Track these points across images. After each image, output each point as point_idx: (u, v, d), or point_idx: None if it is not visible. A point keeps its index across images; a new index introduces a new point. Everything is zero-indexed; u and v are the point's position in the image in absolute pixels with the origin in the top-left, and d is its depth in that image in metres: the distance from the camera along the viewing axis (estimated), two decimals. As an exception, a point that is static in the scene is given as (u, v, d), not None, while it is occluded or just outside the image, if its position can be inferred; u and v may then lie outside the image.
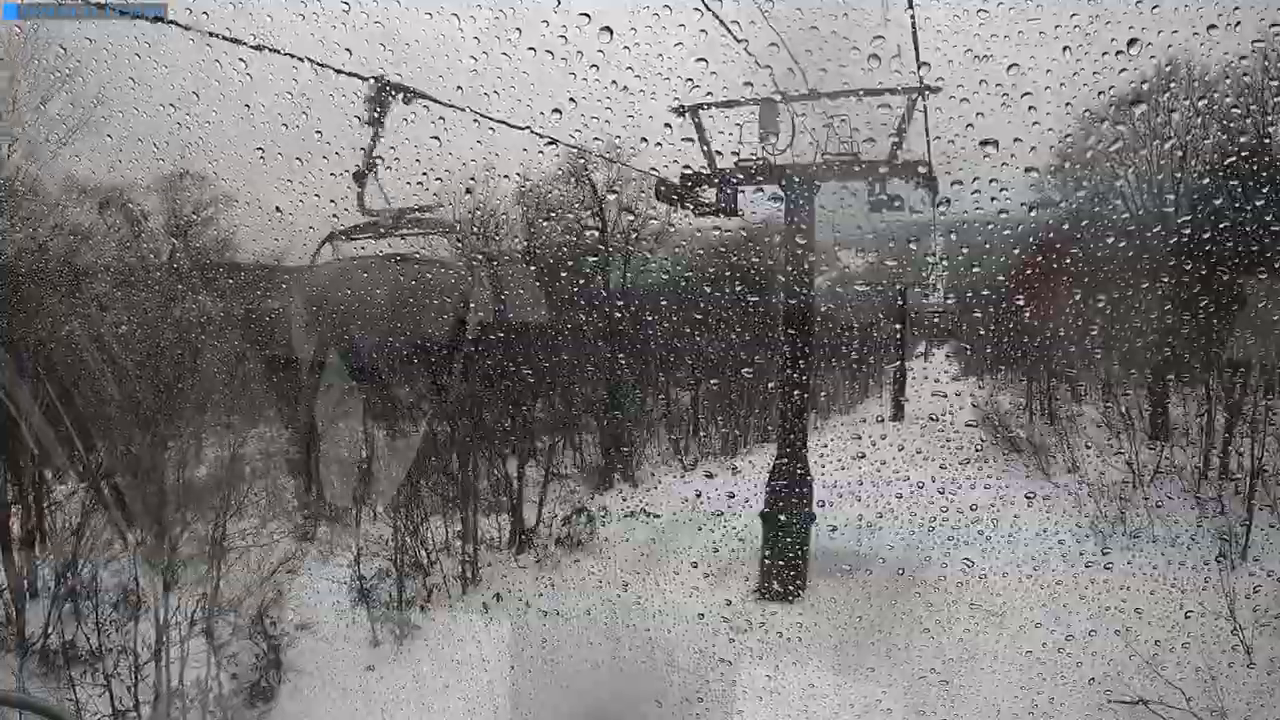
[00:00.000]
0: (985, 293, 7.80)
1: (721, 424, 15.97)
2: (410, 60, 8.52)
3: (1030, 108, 7.51)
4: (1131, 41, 7.50)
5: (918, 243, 9.50)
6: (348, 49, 8.14)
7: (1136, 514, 10.68)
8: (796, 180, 10.70)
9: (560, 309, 14.25)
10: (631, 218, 15.30)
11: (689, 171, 11.40)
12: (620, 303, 15.18)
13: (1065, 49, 7.62)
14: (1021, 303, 7.73)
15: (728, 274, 14.12)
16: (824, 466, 10.26)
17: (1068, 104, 7.66)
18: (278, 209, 10.50)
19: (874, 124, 9.63)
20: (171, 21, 7.76)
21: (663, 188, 11.85)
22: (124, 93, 9.17)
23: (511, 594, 11.73)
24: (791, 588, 10.56)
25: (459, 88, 8.11)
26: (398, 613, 11.69)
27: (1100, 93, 7.65)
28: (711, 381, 15.34)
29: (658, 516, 12.95)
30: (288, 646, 11.50)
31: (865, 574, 9.57)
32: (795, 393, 10.80)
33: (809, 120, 10.19)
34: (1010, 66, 7.50)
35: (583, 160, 14.00)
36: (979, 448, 11.43)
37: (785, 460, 10.68)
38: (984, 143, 7.53)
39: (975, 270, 7.53)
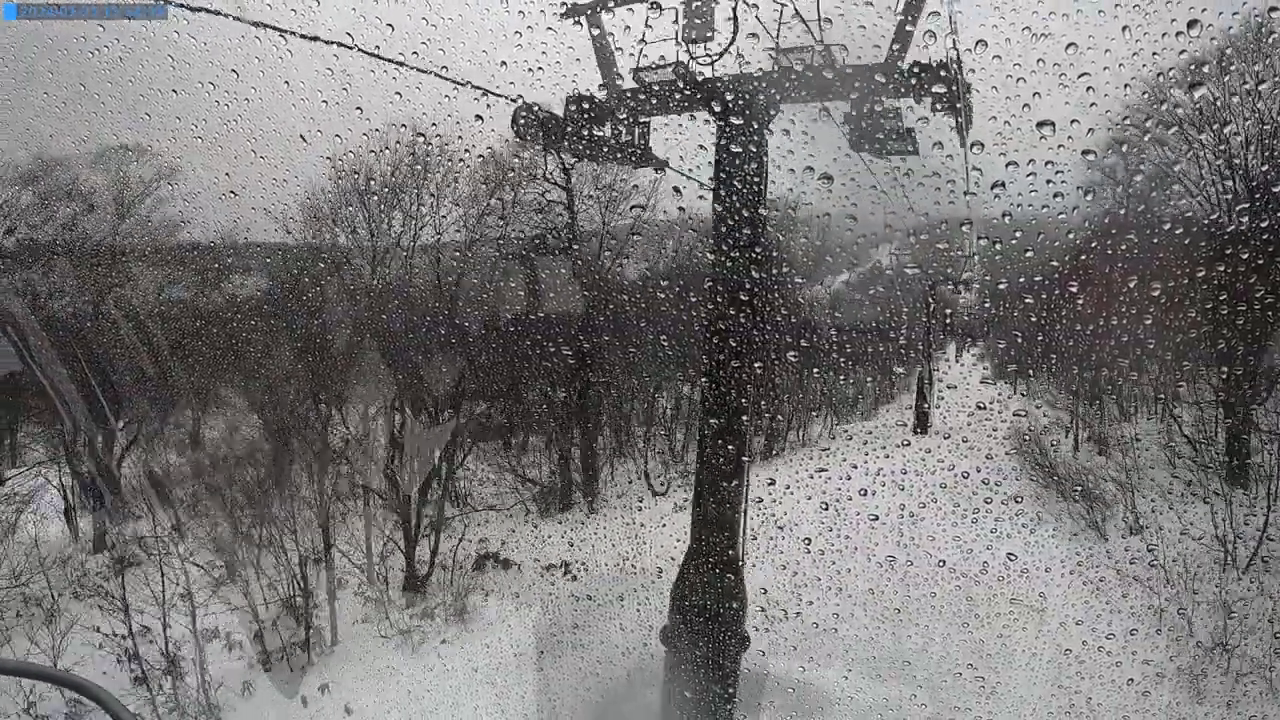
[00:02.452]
0: (1038, 282, 7.56)
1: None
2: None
3: (1089, 88, 7.29)
4: (1192, 23, 7.27)
5: (941, 208, 7.66)
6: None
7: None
8: (741, 102, 7.67)
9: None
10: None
11: (580, 95, 8.53)
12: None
13: (1124, 29, 7.39)
14: (1077, 295, 7.43)
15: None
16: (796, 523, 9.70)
17: (1126, 85, 7.42)
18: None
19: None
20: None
21: (524, 120, 8.54)
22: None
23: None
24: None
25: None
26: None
27: (1159, 74, 7.42)
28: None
29: (574, 578, 12.59)
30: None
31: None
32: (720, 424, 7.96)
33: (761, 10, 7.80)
34: (1069, 45, 7.27)
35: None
36: (1015, 489, 10.28)
37: (703, 539, 8.14)
38: (1041, 124, 7.31)
39: (1029, 256, 7.28)
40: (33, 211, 12.86)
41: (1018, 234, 7.39)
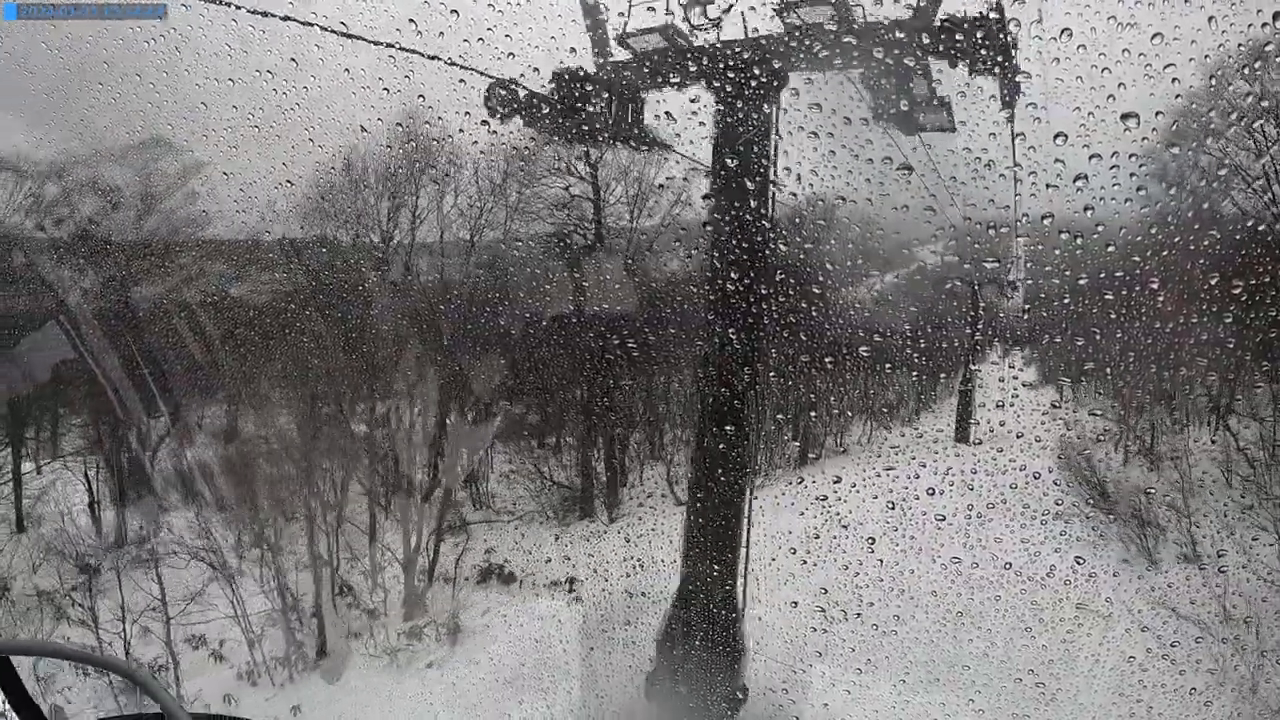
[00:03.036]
0: (1119, 278, 7.38)
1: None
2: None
3: (1174, 79, 7.14)
4: (1277, 15, 7.13)
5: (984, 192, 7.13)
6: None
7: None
8: (744, 72, 7.09)
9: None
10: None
11: (567, 69, 7.91)
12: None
13: (1210, 19, 7.22)
14: (1158, 292, 7.24)
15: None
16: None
17: (1212, 78, 7.27)
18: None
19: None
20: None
21: (498, 96, 8.02)
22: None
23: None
24: None
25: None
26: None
27: (1245, 67, 7.27)
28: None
29: (578, 599, 11.93)
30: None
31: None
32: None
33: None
34: (1154, 36, 7.12)
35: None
36: (1086, 492, 9.97)
37: (695, 575, 7.82)
38: (1125, 116, 7.16)
39: (1110, 251, 7.12)
40: (85, 202, 12.92)
41: (1100, 228, 7.25)
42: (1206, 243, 7.41)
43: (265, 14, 8.06)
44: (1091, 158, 7.22)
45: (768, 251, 7.58)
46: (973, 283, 10.39)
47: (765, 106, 7.42)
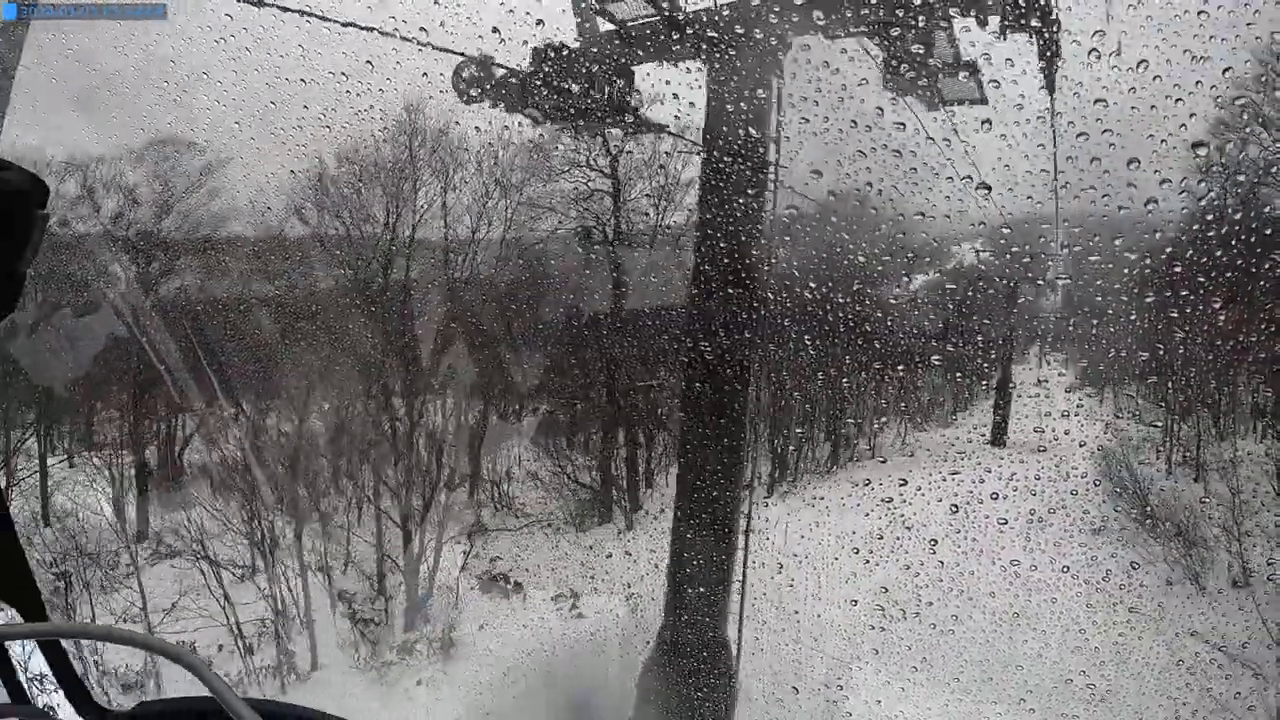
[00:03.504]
0: (1184, 297, 7.74)
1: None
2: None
3: (1244, 113, 7.50)
4: (1343, 51, 7.47)
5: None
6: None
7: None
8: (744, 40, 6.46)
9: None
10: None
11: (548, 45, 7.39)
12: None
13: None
14: (1220, 312, 7.57)
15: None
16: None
17: (1280, 110, 7.63)
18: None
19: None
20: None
21: (467, 76, 7.60)
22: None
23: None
24: None
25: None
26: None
27: (1317, 98, 7.62)
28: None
29: (580, 615, 11.63)
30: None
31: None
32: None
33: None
34: (1225, 69, 7.49)
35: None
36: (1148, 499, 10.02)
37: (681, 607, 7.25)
38: (1195, 145, 7.54)
39: (1176, 271, 7.48)
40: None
41: (1168, 250, 7.63)
42: (1267, 266, 7.76)
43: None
44: (1162, 183, 7.59)
45: (759, 252, 7.45)
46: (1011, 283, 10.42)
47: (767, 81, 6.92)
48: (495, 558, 12.72)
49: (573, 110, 8.07)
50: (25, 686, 1.95)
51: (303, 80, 9.52)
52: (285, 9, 7.90)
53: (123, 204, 13.45)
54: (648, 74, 8.25)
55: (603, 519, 13.78)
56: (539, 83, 7.63)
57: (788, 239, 8.20)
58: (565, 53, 7.70)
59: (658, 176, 13.49)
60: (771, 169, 7.33)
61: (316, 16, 8.01)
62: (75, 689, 2.07)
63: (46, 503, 13.94)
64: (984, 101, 7.64)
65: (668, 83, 7.94)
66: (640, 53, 7.84)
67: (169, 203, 13.48)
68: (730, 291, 7.12)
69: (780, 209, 7.65)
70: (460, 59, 7.84)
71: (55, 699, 2.02)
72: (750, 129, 7.17)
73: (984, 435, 10.63)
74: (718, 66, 7.11)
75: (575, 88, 7.66)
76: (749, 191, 7.23)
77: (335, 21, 8.11)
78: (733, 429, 7.39)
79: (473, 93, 7.83)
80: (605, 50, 7.69)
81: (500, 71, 7.72)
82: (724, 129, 7.09)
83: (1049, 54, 7.35)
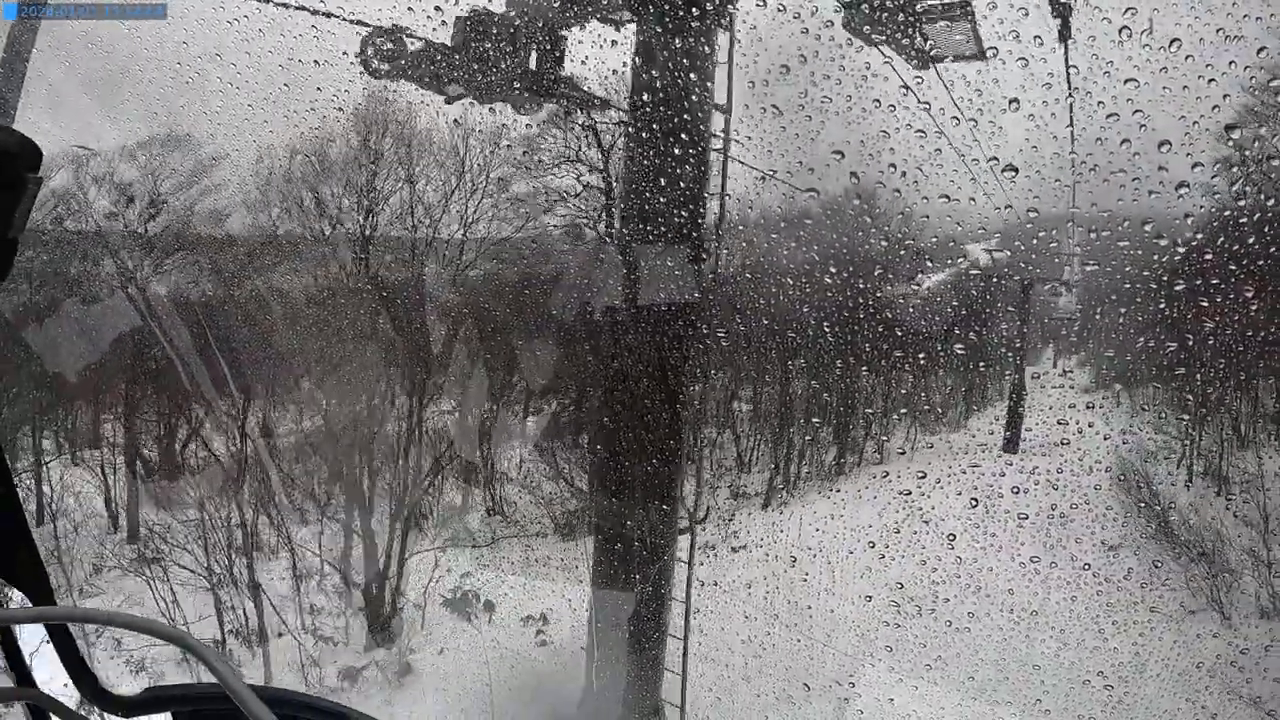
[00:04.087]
0: (1215, 285, 7.53)
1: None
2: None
3: (1278, 94, 7.31)
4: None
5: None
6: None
7: None
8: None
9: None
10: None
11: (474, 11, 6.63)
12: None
13: (1315, 34, 7.38)
14: (1252, 300, 7.35)
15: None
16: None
17: (1318, 91, 7.40)
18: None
19: None
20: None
21: (382, 52, 6.85)
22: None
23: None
24: None
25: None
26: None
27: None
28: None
29: (544, 642, 10.87)
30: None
31: None
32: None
33: None
34: (1260, 49, 7.30)
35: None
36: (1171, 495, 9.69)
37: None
38: (1229, 127, 7.35)
39: (1207, 259, 7.25)
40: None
41: (1199, 234, 7.41)
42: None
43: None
44: (1194, 166, 7.37)
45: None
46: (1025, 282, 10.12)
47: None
48: (465, 574, 11.91)
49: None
50: (31, 671, 1.93)
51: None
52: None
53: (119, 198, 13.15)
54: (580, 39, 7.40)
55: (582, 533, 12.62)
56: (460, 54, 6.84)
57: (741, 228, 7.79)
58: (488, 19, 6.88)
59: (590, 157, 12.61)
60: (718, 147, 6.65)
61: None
62: (82, 674, 2.04)
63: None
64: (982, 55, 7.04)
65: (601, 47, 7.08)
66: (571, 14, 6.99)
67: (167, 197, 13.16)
68: (662, 288, 6.48)
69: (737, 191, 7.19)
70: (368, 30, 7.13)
71: (62, 684, 1.99)
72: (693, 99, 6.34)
73: (996, 432, 10.39)
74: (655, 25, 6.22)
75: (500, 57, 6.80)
76: (687, 173, 6.41)
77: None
78: (668, 437, 6.84)
79: (383, 67, 7.11)
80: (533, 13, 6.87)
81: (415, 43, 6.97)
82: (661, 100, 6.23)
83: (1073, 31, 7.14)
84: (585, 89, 7.68)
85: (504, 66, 6.76)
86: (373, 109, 12.13)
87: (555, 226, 13.03)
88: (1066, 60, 7.28)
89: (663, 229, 6.35)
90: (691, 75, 6.40)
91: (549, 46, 6.84)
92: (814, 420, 11.52)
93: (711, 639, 9.82)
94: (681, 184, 6.32)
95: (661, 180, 6.28)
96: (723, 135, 6.69)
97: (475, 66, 6.82)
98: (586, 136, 12.15)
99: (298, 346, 12.80)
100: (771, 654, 9.64)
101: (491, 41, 6.74)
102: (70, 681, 1.99)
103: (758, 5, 6.52)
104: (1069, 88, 7.22)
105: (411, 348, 12.67)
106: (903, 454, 11.29)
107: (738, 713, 9.66)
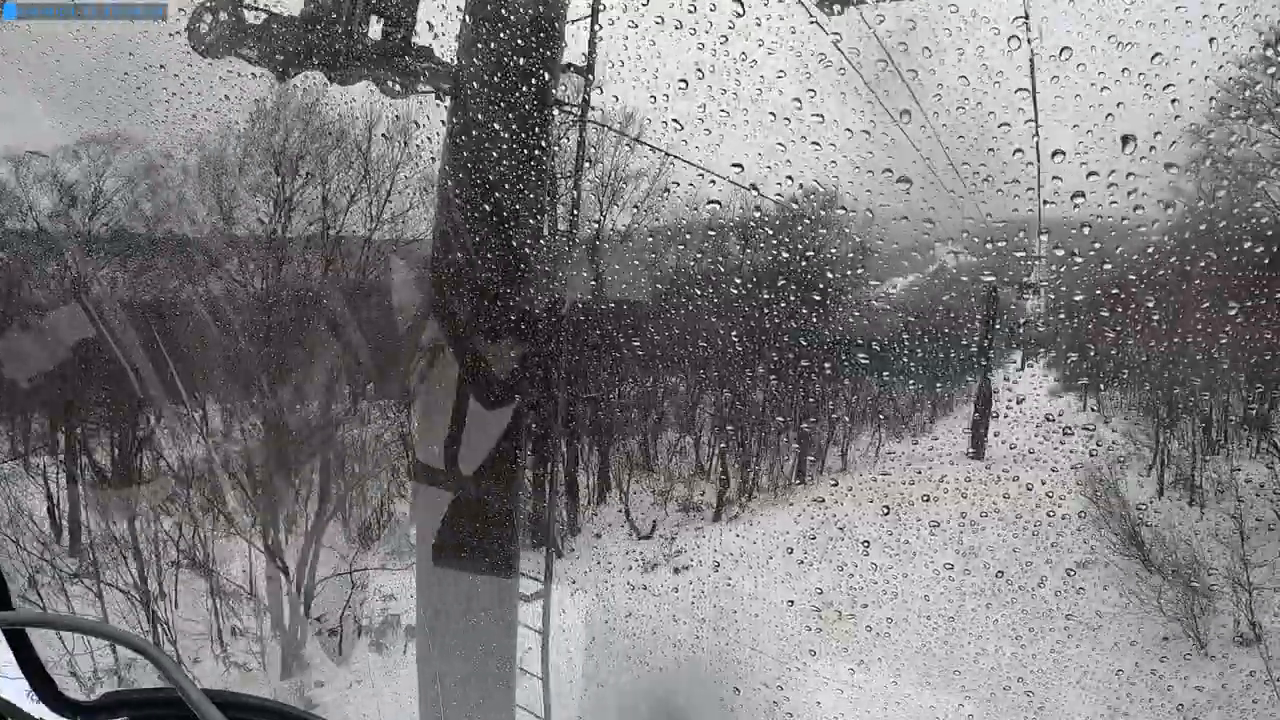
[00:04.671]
0: (1115, 295, 7.53)
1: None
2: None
3: (1173, 100, 7.27)
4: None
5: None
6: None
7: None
8: None
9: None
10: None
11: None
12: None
13: (1211, 40, 7.35)
14: (1153, 311, 7.35)
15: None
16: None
17: (1212, 98, 7.36)
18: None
19: None
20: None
21: (211, 25, 6.03)
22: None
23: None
24: None
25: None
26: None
27: (1245, 86, 7.35)
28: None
29: None
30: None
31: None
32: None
33: None
34: (1154, 56, 7.25)
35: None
36: (1080, 505, 9.46)
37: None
38: (1125, 138, 7.32)
39: (1107, 269, 7.24)
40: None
41: (1096, 245, 7.38)
42: (1203, 264, 7.51)
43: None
44: (1089, 175, 7.35)
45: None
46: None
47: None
48: (389, 596, 11.29)
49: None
50: None
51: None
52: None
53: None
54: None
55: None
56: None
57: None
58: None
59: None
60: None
61: None
62: (41, 679, 2.10)
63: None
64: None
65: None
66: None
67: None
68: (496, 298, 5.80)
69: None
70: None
71: (19, 689, 2.05)
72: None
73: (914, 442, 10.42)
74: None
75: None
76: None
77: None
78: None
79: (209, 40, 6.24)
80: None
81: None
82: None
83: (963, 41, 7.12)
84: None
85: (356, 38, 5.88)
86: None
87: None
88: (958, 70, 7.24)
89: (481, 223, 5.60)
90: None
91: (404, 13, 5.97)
92: (728, 429, 11.54)
93: (644, 642, 9.90)
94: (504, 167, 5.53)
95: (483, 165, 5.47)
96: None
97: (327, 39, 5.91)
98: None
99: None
100: (702, 656, 9.70)
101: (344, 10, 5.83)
102: (30, 688, 2.07)
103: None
104: (959, 98, 7.19)
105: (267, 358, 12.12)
106: (814, 462, 11.30)
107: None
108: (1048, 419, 8.66)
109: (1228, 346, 7.64)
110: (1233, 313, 7.55)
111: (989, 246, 7.55)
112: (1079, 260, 7.36)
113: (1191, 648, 9.15)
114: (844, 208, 7.50)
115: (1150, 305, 7.47)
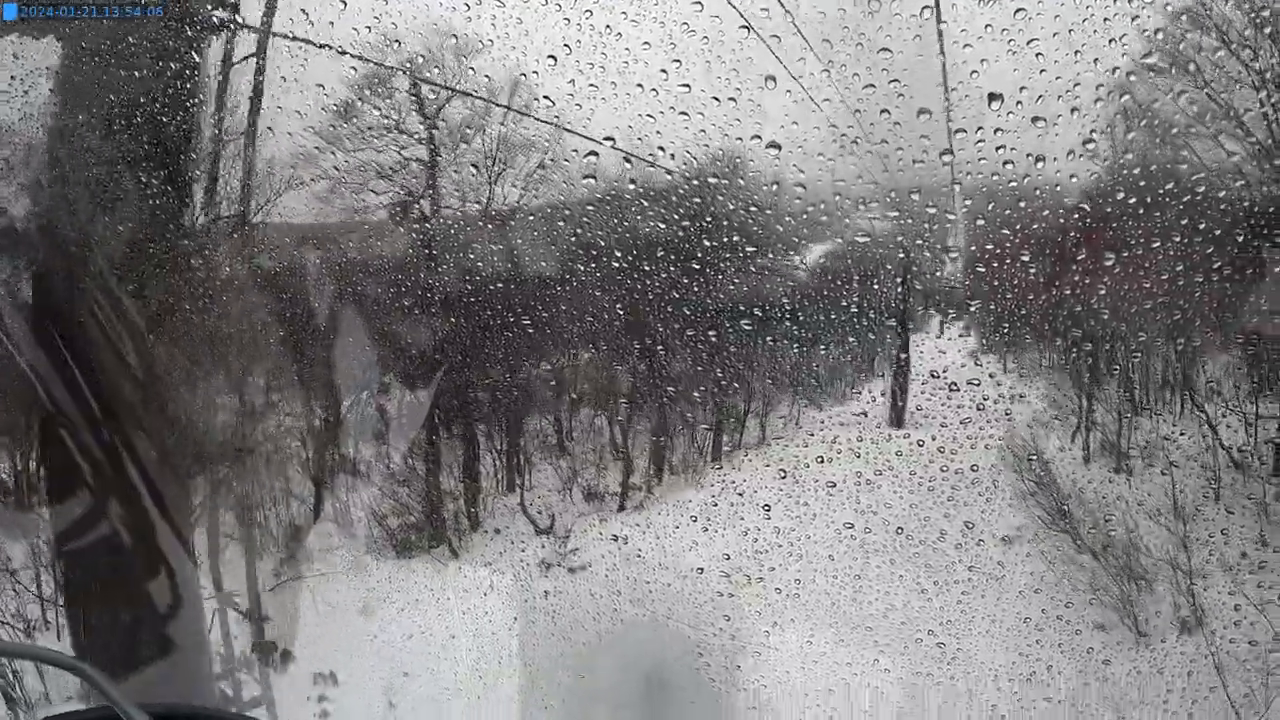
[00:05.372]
0: (990, 251, 7.61)
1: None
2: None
3: (1037, 54, 7.33)
4: (1140, -15, 7.31)
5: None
6: None
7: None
8: None
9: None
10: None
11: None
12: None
13: (1070, -11, 7.40)
14: (1030, 266, 7.45)
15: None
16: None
17: (1076, 52, 7.38)
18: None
19: None
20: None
21: None
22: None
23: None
24: None
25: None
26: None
27: (1111, 40, 7.36)
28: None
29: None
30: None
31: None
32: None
33: None
34: (1017, 11, 7.31)
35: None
36: (971, 458, 9.05)
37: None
38: (992, 96, 7.37)
39: (979, 224, 7.31)
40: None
41: (968, 202, 7.44)
42: (1076, 217, 7.59)
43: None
44: (957, 132, 7.40)
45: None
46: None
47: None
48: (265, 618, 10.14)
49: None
50: None
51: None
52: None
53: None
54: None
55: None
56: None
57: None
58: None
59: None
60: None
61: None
62: None
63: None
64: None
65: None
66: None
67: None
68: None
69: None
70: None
71: None
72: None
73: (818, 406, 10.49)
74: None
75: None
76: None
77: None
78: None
79: None
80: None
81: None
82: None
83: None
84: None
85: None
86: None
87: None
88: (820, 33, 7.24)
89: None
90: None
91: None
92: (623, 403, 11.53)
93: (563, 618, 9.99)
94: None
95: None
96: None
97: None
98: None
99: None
100: (618, 630, 9.82)
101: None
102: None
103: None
104: (823, 62, 7.19)
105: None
106: (708, 429, 11.39)
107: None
108: (933, 375, 8.84)
109: (1107, 299, 7.72)
110: (1109, 263, 7.64)
111: (861, 208, 7.59)
112: (951, 218, 7.42)
113: (1096, 591, 9.35)
114: (715, 175, 7.50)
115: (1026, 259, 7.55)
